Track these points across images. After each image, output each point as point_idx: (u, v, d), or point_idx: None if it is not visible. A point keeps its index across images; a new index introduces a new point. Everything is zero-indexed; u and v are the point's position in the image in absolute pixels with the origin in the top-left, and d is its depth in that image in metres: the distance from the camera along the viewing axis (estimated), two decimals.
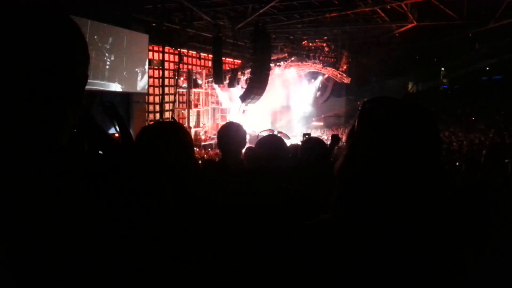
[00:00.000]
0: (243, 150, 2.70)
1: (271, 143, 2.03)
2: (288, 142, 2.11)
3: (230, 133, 2.45)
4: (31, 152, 0.61)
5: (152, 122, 18.01)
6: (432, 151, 0.84)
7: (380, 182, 0.81)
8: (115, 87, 16.12)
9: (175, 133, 1.59)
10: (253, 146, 2.62)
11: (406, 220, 0.80)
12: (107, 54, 15.63)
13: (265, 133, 17.32)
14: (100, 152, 0.99)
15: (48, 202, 0.57)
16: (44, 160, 0.61)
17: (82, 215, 0.58)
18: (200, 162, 3.19)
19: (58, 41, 0.65)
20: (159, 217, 0.66)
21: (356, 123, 0.89)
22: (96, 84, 14.95)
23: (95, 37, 14.63)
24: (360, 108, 0.91)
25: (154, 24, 18.19)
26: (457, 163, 8.61)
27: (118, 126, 1.74)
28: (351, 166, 0.86)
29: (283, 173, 1.96)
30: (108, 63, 15.75)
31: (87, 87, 0.72)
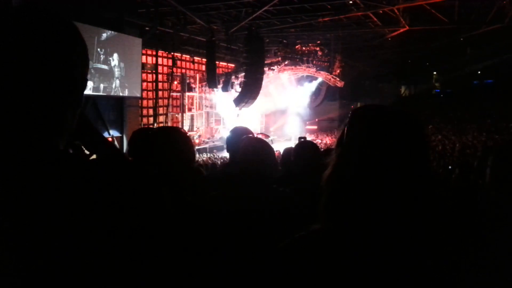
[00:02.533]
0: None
1: (252, 148, 1.97)
2: (268, 141, 2.07)
3: (240, 137, 2.46)
4: (29, 156, 0.61)
5: (146, 126, 17.92)
6: (421, 158, 0.84)
7: (369, 191, 0.80)
8: (110, 86, 16.07)
9: (174, 139, 1.58)
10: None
11: (397, 230, 0.79)
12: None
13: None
14: (96, 154, 0.99)
15: (45, 206, 0.57)
16: (42, 164, 0.61)
17: (80, 219, 0.58)
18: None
19: (57, 44, 0.64)
20: (158, 222, 0.66)
21: (344, 131, 0.89)
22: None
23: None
24: (348, 116, 0.90)
25: (147, 28, 18.15)
26: (450, 167, 8.67)
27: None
28: (339, 175, 0.85)
29: (269, 176, 1.94)
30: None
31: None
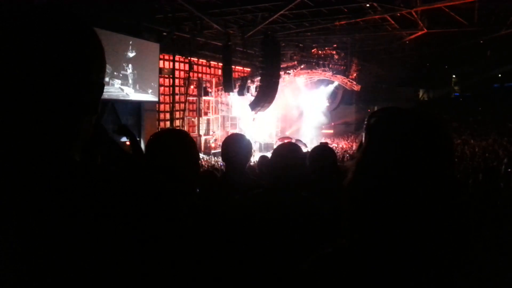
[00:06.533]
0: (255, 160, 2.69)
1: (288, 152, 1.99)
2: (305, 150, 2.06)
3: (235, 145, 2.41)
4: (42, 165, 0.59)
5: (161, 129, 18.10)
6: (446, 162, 0.79)
7: (393, 200, 0.76)
8: (128, 90, 16.37)
9: (185, 142, 1.59)
10: (265, 154, 2.59)
11: (425, 241, 0.75)
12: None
13: (282, 141, 17.27)
14: (112, 163, 0.98)
15: (59, 217, 0.56)
16: (55, 175, 0.59)
17: (92, 230, 0.57)
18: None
19: (74, 47, 0.62)
20: (172, 232, 0.64)
21: (363, 137, 0.85)
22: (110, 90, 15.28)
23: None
24: (366, 120, 0.86)
25: (165, 33, 18.36)
26: (470, 171, 8.48)
27: (131, 143, 1.98)
28: (361, 184, 0.80)
29: (301, 182, 1.93)
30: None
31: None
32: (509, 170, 7.63)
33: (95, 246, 0.56)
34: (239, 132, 2.77)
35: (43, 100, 0.59)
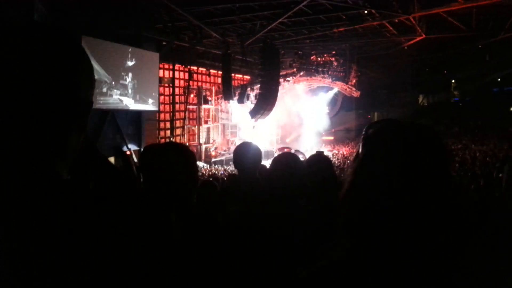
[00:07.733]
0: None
1: (287, 162, 2.00)
2: (302, 159, 2.08)
3: (244, 152, 2.51)
4: (28, 185, 0.57)
5: (162, 141, 18.09)
6: (442, 171, 0.80)
7: (389, 211, 0.77)
8: (127, 101, 16.42)
9: (181, 156, 1.58)
10: (263, 163, 2.62)
11: (423, 246, 0.75)
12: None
13: (282, 150, 17.29)
14: (104, 184, 0.96)
15: (48, 241, 0.54)
16: (44, 197, 0.57)
17: (78, 254, 0.55)
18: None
19: (62, 63, 0.61)
20: (165, 253, 0.64)
21: (360, 148, 0.86)
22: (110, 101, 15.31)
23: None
24: (363, 132, 0.87)
25: (164, 43, 18.48)
26: (469, 174, 8.47)
27: (123, 163, 1.99)
28: (356, 195, 0.81)
29: (299, 191, 1.93)
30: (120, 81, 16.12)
31: (99, 105, 0.69)
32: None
33: (75, 269, 0.55)
34: (248, 141, 2.87)
35: (29, 115, 0.58)
